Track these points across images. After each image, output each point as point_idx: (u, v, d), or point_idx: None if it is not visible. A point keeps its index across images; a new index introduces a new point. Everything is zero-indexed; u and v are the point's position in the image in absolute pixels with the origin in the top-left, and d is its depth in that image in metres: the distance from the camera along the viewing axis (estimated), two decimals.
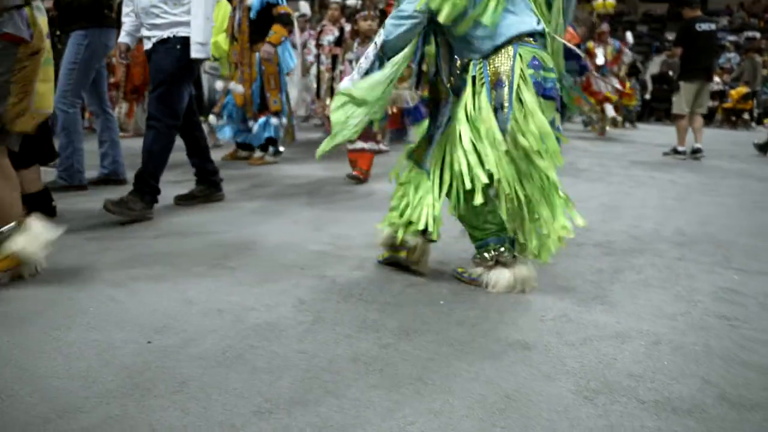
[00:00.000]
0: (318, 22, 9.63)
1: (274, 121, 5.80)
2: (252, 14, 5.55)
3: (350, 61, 5.04)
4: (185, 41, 3.61)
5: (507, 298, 2.48)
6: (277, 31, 5.55)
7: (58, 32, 4.78)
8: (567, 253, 3.15)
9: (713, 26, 7.71)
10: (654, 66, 16.87)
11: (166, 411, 1.61)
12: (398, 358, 1.94)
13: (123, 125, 7.89)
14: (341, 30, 7.70)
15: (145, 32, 3.70)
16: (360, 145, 5.06)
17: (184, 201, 4.02)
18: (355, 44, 5.04)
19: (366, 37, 5.04)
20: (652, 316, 2.36)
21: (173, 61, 3.60)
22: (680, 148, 7.81)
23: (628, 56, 9.59)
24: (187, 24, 3.61)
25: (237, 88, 5.75)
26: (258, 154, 6.01)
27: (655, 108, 15.93)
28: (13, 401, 1.64)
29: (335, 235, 3.37)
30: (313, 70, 8.51)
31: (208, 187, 4.11)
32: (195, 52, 3.57)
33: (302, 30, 9.59)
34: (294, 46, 8.41)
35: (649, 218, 4.08)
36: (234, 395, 1.70)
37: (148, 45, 3.70)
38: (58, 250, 2.68)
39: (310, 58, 8.55)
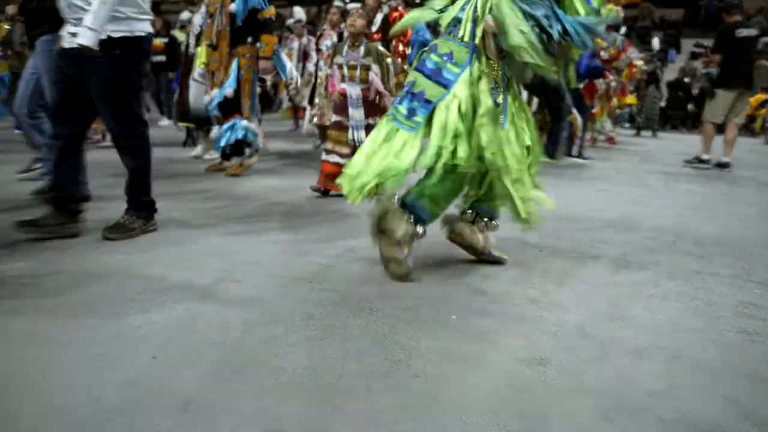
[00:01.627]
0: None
1: (243, 123, 5.62)
2: (238, 21, 5.49)
3: (339, 66, 4.87)
4: (125, 42, 3.21)
5: (521, 312, 2.47)
6: (268, 42, 5.52)
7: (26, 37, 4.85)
8: (581, 266, 3.14)
9: (753, 32, 7.52)
10: (670, 73, 16.83)
11: (171, 431, 1.61)
12: (410, 375, 1.93)
13: (104, 132, 7.92)
14: (340, 35, 7.74)
15: (70, 29, 3.19)
16: (334, 158, 4.83)
17: (28, 228, 3.32)
18: (345, 47, 4.93)
19: (355, 40, 4.85)
20: (671, 331, 2.34)
21: (117, 69, 3.22)
22: (705, 157, 7.72)
23: (635, 54, 9.49)
24: (122, 20, 3.20)
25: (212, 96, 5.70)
26: (234, 161, 5.85)
27: (671, 116, 15.87)
28: (16, 420, 1.64)
29: (344, 248, 3.37)
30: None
31: (63, 216, 3.42)
32: (82, 38, 3.05)
33: (300, 36, 9.64)
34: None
35: (666, 230, 4.06)
36: (241, 414, 1.69)
37: (71, 44, 3.17)
38: (57, 262, 2.69)
39: (311, 66, 8.58)
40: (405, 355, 2.06)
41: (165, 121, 11.19)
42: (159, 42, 11.25)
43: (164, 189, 5.07)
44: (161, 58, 11.21)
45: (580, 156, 8.15)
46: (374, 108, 4.84)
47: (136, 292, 2.57)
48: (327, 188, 4.85)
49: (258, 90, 6.01)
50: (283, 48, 10.60)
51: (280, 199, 4.78)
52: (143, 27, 3.32)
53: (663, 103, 15.62)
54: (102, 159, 5.61)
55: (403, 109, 2.80)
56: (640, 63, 9.47)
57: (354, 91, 4.81)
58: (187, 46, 6.76)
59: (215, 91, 5.66)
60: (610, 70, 8.92)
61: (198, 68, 6.10)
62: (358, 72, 4.80)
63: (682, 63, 17.03)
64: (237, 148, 5.86)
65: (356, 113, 4.83)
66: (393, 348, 2.11)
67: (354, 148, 4.82)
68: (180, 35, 10.09)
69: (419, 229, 2.85)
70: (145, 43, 3.35)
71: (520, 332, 2.28)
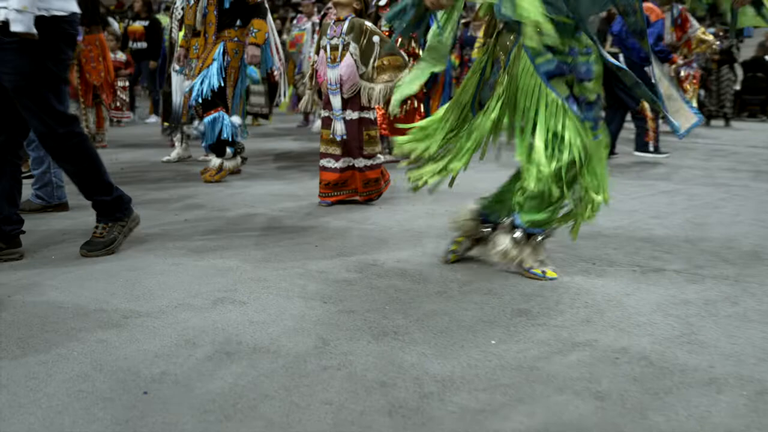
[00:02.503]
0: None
1: (227, 119, 5.59)
2: (225, 3, 5.53)
3: (324, 48, 4.74)
4: (39, 24, 3.08)
5: (571, 336, 2.44)
6: (260, 28, 5.53)
7: None
8: (642, 281, 3.10)
9: None
10: (746, 50, 16.50)
11: None
12: (443, 411, 1.91)
13: (95, 136, 8.03)
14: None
15: None
16: (345, 162, 4.82)
17: None
18: (330, 24, 4.77)
19: (340, 13, 4.71)
20: (755, 359, 2.30)
21: (30, 57, 3.11)
22: None
23: (693, 29, 9.32)
24: None
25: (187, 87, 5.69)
26: (213, 163, 5.81)
27: (748, 101, 15.47)
28: None
29: (365, 263, 3.36)
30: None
31: None
32: (15, 24, 2.99)
33: (310, 15, 9.72)
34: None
35: (745, 237, 4.00)
36: None
37: None
38: (32, 283, 2.72)
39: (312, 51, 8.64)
40: (437, 387, 2.04)
41: (153, 118, 11.30)
42: (139, 26, 11.34)
43: (151, 196, 5.13)
44: (141, 44, 11.28)
45: (656, 150, 8.05)
46: (353, 99, 4.72)
47: (121, 317, 2.58)
48: (332, 200, 4.83)
49: (251, 82, 5.97)
50: (294, 28, 10.69)
51: (287, 206, 4.81)
52: (64, 5, 3.20)
53: (737, 87, 15.23)
54: None
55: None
56: (710, 38, 9.25)
57: (333, 74, 4.70)
58: (171, 31, 6.79)
59: (189, 82, 5.62)
60: (677, 53, 8.82)
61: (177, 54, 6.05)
62: (339, 52, 4.69)
63: (761, 37, 16.58)
64: (217, 149, 5.77)
65: (335, 101, 4.74)
66: (423, 378, 2.09)
67: (344, 144, 4.74)
68: (164, 19, 10.21)
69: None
70: (65, 25, 3.20)
71: (571, 360, 2.25)
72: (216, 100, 5.51)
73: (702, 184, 6.05)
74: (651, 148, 8.02)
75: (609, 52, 7.62)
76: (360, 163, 4.79)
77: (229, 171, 5.83)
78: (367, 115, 4.76)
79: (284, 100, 7.93)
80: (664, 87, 2.97)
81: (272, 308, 2.70)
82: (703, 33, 8.92)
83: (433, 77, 7.24)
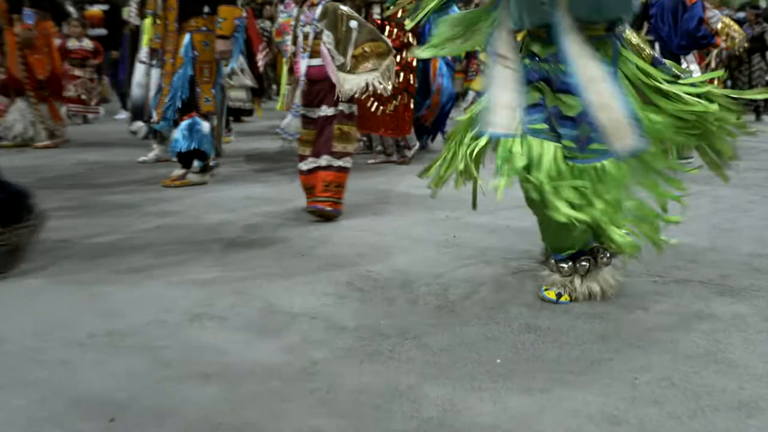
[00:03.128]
0: None
1: (204, 125, 5.51)
2: None
3: (305, 36, 4.56)
4: None
5: (584, 354, 2.44)
6: (226, 16, 5.36)
7: None
8: (663, 293, 3.10)
9: None
10: None
11: None
12: None
13: (53, 132, 8.01)
14: None
15: None
16: (310, 164, 4.60)
17: None
18: (305, 9, 4.60)
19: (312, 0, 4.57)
20: None
21: None
22: None
23: (714, 18, 9.28)
24: None
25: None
26: (178, 171, 5.75)
27: None
28: None
29: (358, 274, 3.36)
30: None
31: None
32: None
33: (298, 1, 9.70)
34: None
35: None
36: None
37: None
38: None
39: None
40: (437, 412, 2.04)
41: (123, 114, 11.23)
42: (97, 10, 11.20)
43: (121, 200, 5.12)
44: (101, 31, 11.14)
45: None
46: (322, 96, 4.53)
47: (86, 335, 2.57)
48: (317, 205, 4.54)
49: (228, 73, 5.88)
50: (281, 14, 10.66)
51: (270, 210, 4.80)
52: None
53: None
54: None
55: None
56: (738, 34, 9.21)
57: (303, 65, 4.55)
58: (130, 15, 6.70)
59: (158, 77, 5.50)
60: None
61: (144, 47, 5.97)
62: (310, 41, 4.53)
63: None
64: (185, 158, 5.69)
65: (298, 93, 4.58)
66: (422, 402, 2.09)
67: (314, 145, 4.54)
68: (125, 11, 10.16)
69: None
70: None
71: (585, 380, 2.25)
72: (190, 102, 5.45)
73: (729, 185, 6.04)
74: None
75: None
76: (323, 161, 4.54)
77: (192, 184, 5.69)
78: (342, 108, 4.54)
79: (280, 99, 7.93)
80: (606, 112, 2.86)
81: (255, 325, 2.69)
82: (729, 26, 8.89)
83: (424, 73, 7.28)
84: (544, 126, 2.85)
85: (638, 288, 3.17)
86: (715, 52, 8.90)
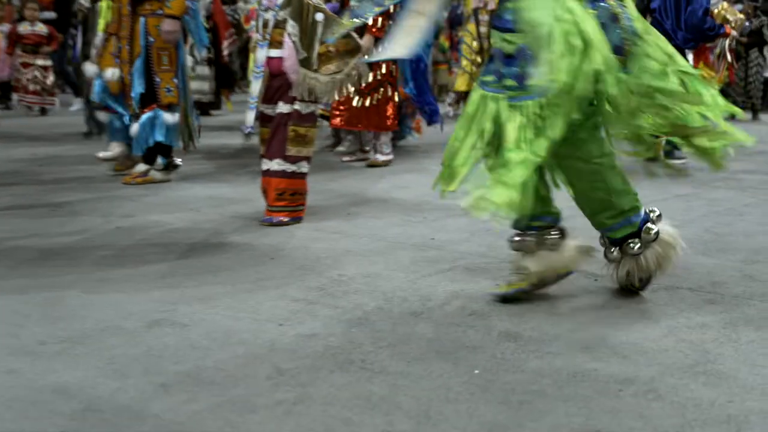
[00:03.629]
0: None
1: (166, 117, 5.46)
2: None
3: (264, 23, 4.41)
4: None
5: (567, 364, 2.46)
6: None
7: None
8: (652, 300, 3.13)
9: None
10: None
11: None
12: None
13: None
14: None
15: None
16: (266, 165, 4.49)
17: None
18: None
19: None
20: None
21: None
22: None
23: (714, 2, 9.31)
24: None
25: (108, 74, 5.49)
26: (140, 167, 5.72)
27: None
28: None
29: (330, 278, 3.37)
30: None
31: None
32: None
33: None
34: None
35: None
36: None
37: None
38: None
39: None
40: (411, 425, 2.05)
41: (77, 105, 11.10)
42: None
43: (76, 198, 5.10)
44: (50, 14, 10.96)
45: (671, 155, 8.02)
46: (281, 92, 4.41)
47: (37, 343, 2.57)
48: (270, 217, 4.43)
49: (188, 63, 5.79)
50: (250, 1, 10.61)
51: (237, 210, 4.80)
52: None
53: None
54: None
55: None
56: (737, 16, 9.23)
57: (261, 55, 4.42)
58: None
59: (111, 71, 5.42)
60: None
61: (100, 32, 5.77)
62: (269, 29, 4.39)
63: None
64: (148, 154, 5.64)
65: (255, 86, 4.47)
66: (395, 415, 2.10)
67: (267, 141, 4.45)
68: None
69: None
70: None
71: (568, 392, 2.27)
72: (149, 95, 5.39)
73: (724, 187, 6.12)
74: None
75: None
76: (276, 165, 4.42)
77: (155, 182, 5.65)
78: (299, 107, 4.40)
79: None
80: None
81: (218, 331, 2.70)
82: (726, 10, 8.94)
83: (416, 62, 7.28)
84: (491, 77, 2.94)
85: (624, 295, 3.20)
86: (726, 42, 8.86)
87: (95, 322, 2.76)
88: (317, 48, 4.37)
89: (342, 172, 6.57)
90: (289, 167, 4.42)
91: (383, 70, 6.75)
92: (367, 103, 6.78)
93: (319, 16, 4.35)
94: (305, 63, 4.35)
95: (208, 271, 3.43)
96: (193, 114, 5.90)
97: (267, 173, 4.46)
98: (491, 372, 2.40)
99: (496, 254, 3.69)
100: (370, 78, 6.50)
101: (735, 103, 13.35)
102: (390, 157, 7.05)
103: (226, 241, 4.01)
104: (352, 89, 4.44)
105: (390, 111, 6.90)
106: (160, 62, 5.39)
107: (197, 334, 2.66)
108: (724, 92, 13.44)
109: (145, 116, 5.42)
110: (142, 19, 5.32)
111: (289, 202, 4.43)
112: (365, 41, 6.44)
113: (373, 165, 6.93)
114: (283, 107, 4.41)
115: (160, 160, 5.69)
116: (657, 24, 7.65)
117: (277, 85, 4.41)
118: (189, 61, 5.81)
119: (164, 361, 2.43)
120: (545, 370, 2.42)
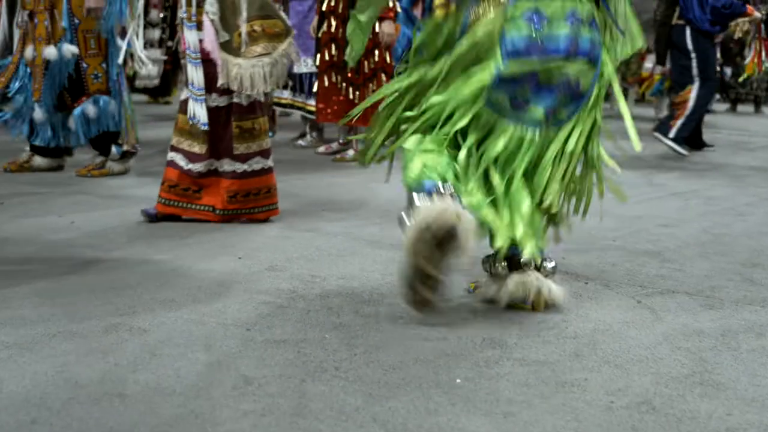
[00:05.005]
0: None
1: (101, 102, 5.36)
2: None
3: (188, 1, 4.22)
4: None
5: (556, 373, 2.46)
6: None
7: None
8: (646, 305, 3.14)
9: None
10: None
11: None
12: None
13: None
14: None
15: None
16: (208, 165, 4.37)
17: None
18: None
19: None
20: None
21: None
22: None
23: None
24: None
25: (27, 53, 5.27)
26: (97, 159, 5.67)
27: None
28: None
29: (302, 278, 3.36)
30: None
31: None
32: None
33: None
34: None
35: None
36: None
37: None
38: None
39: None
40: None
41: None
42: None
43: (25, 190, 5.05)
44: None
45: (667, 132, 8.06)
46: (213, 82, 4.21)
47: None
48: (164, 212, 4.35)
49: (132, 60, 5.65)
50: None
51: None
52: None
53: None
54: None
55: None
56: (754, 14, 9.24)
57: (191, 37, 4.23)
58: None
59: (28, 50, 5.23)
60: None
61: (23, 10, 5.57)
62: (194, 8, 4.21)
63: None
64: (100, 143, 5.58)
65: (195, 75, 4.24)
66: (370, 427, 2.09)
67: (208, 138, 4.28)
68: None
69: None
70: None
71: (555, 403, 2.27)
72: (79, 85, 5.31)
73: (723, 184, 6.17)
74: (671, 135, 8.04)
75: (676, 25, 7.92)
76: (228, 166, 4.34)
77: (114, 173, 5.62)
78: (238, 100, 4.28)
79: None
80: None
81: (180, 337, 2.68)
82: None
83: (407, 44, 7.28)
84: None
85: (618, 299, 3.21)
86: (747, 23, 8.83)
87: (45, 327, 2.73)
88: (242, 28, 4.15)
89: (316, 167, 6.56)
90: (239, 166, 4.32)
91: (376, 58, 6.74)
92: (365, 95, 6.66)
93: None
94: (227, 46, 4.14)
95: (169, 271, 3.41)
96: (126, 104, 5.69)
97: (213, 173, 4.35)
98: (474, 381, 2.39)
99: (478, 255, 3.68)
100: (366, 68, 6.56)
101: (737, 95, 13.43)
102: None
103: (191, 238, 3.99)
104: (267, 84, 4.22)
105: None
106: (87, 46, 5.27)
107: (157, 340, 2.64)
108: (725, 84, 13.52)
109: (78, 109, 5.32)
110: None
111: (241, 204, 4.34)
112: (385, 27, 6.48)
113: (342, 160, 6.98)
114: (218, 99, 4.27)
115: (114, 150, 5.59)
116: (684, 13, 7.82)
117: (208, 72, 4.21)
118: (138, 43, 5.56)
119: (121, 369, 2.40)
120: (531, 380, 2.42)
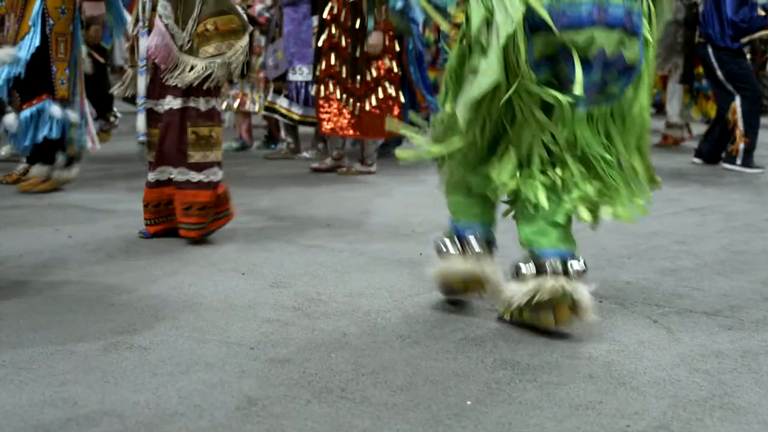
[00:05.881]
0: None
1: (54, 110, 5.20)
2: None
3: (143, 5, 4.13)
4: None
5: (569, 395, 2.46)
6: None
7: None
8: (662, 324, 3.13)
9: None
10: None
11: None
12: None
13: None
14: None
15: None
16: (158, 174, 4.24)
17: None
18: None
19: None
20: None
21: None
22: None
23: None
24: None
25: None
26: (36, 170, 5.48)
27: None
28: None
29: (306, 297, 3.36)
30: None
31: None
32: None
33: None
34: None
35: None
36: None
37: None
38: None
39: None
40: None
41: None
42: None
43: (17, 203, 5.06)
44: None
45: (735, 160, 7.95)
46: (165, 86, 4.14)
47: None
48: (154, 231, 4.28)
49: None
50: None
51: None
52: None
53: None
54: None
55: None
56: None
57: (143, 45, 4.13)
58: None
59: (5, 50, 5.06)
60: None
61: None
62: (147, 12, 4.13)
63: None
64: (44, 151, 5.42)
65: (140, 82, 4.19)
66: None
67: (159, 147, 4.16)
68: None
69: None
70: None
71: (569, 427, 2.26)
72: (37, 84, 5.16)
73: (743, 199, 6.15)
74: (738, 162, 7.98)
75: (699, 43, 7.97)
76: (181, 175, 4.17)
77: (59, 183, 5.52)
78: (195, 104, 4.14)
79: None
80: None
81: (182, 355, 2.68)
82: None
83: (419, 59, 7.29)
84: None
85: (634, 319, 3.20)
86: None
87: (42, 345, 2.73)
88: (195, 28, 4.04)
89: (320, 180, 6.57)
90: (194, 176, 4.14)
91: (380, 66, 6.71)
92: (367, 106, 6.69)
93: None
94: (184, 47, 4.07)
95: (170, 287, 3.41)
96: (86, 116, 5.64)
97: (160, 184, 4.21)
98: (485, 403, 2.39)
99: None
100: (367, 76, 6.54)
101: (763, 107, 13.35)
102: (373, 169, 7.02)
103: (191, 253, 3.99)
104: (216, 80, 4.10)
105: (396, 114, 6.69)
106: (58, 49, 5.19)
107: (158, 359, 2.64)
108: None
109: (27, 111, 5.18)
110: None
111: (198, 218, 4.16)
112: (374, 38, 6.47)
113: (351, 173, 6.93)
114: (172, 102, 4.11)
115: (60, 158, 5.45)
116: (703, 30, 7.85)
117: (160, 76, 4.13)
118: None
119: (121, 389, 2.40)
120: (544, 402, 2.42)
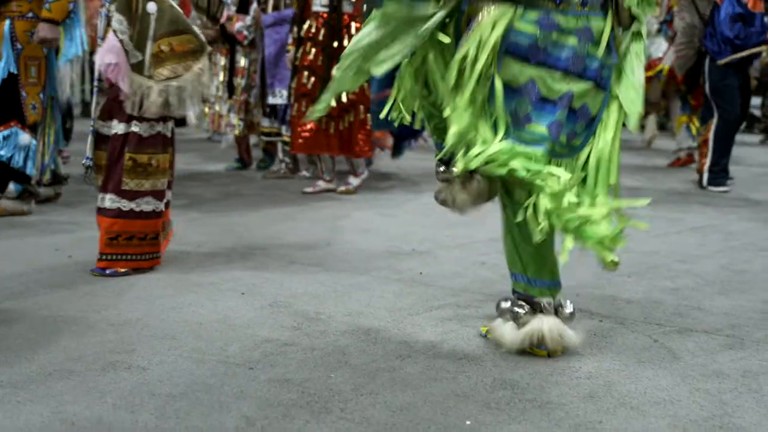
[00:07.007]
0: None
1: (23, 138, 5.11)
2: None
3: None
4: None
5: (568, 416, 2.46)
6: None
7: None
8: (663, 344, 3.13)
9: None
10: None
11: None
12: None
13: None
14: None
15: None
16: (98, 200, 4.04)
17: None
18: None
19: None
20: None
21: None
22: None
23: None
24: None
25: None
26: None
27: None
28: None
29: (306, 316, 3.36)
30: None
31: None
32: None
33: None
34: None
35: None
36: None
37: None
38: None
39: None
40: None
41: None
42: None
43: (18, 220, 5.05)
44: None
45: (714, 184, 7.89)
46: (115, 106, 3.97)
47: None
48: (104, 264, 3.97)
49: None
50: None
51: (203, 239, 4.77)
52: None
53: None
54: None
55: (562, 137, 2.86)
56: None
57: (97, 60, 3.93)
58: None
59: None
60: None
61: None
62: (101, 29, 3.97)
63: None
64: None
65: (93, 102, 4.07)
66: None
67: (105, 169, 3.97)
68: None
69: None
70: None
71: None
72: (7, 109, 5.07)
73: (743, 219, 6.15)
74: (704, 183, 7.93)
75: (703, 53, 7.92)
76: (106, 202, 3.96)
77: (7, 213, 5.26)
78: (137, 129, 3.93)
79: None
80: None
81: (181, 375, 2.68)
82: None
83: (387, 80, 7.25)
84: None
85: (634, 338, 3.20)
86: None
87: (40, 364, 2.73)
88: (150, 48, 3.89)
89: (319, 199, 6.58)
90: (126, 205, 3.92)
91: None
92: (339, 127, 6.74)
93: (151, 7, 3.87)
94: (138, 67, 3.89)
95: (169, 307, 3.42)
96: (56, 138, 5.53)
97: (99, 211, 4.01)
98: (484, 423, 2.39)
99: (491, 291, 3.70)
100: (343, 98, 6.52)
101: (767, 125, 13.21)
102: (365, 173, 7.09)
103: (191, 273, 4.00)
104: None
105: (361, 136, 6.81)
106: (28, 74, 5.12)
107: (157, 379, 2.64)
108: (751, 116, 13.35)
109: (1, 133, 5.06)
110: (7, 21, 5.04)
111: (125, 248, 3.94)
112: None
113: (347, 192, 6.89)
114: (117, 127, 3.95)
115: (12, 187, 5.29)
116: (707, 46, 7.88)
117: (112, 97, 3.98)
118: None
119: (119, 409, 2.40)
120: (544, 422, 2.42)
